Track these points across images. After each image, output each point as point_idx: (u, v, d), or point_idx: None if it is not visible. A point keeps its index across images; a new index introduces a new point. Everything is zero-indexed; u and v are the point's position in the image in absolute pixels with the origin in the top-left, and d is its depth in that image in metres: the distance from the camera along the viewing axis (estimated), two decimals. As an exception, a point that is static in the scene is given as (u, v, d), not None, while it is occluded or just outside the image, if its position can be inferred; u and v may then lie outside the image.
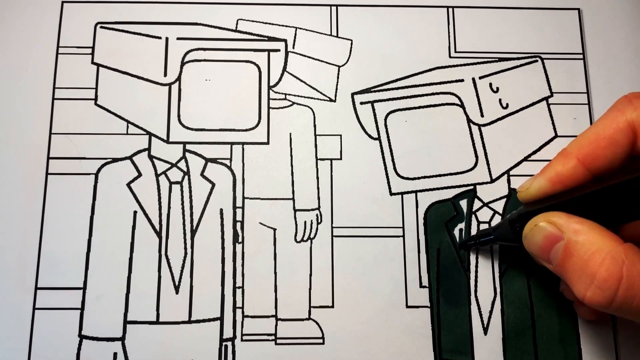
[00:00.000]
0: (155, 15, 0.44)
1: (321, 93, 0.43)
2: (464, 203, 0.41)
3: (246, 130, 0.42)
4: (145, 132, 0.41)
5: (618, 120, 0.33)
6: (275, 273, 0.40)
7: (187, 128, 0.42)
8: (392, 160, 0.41)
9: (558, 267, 0.32)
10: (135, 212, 0.40)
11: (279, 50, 0.43)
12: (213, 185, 0.41)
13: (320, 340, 0.38)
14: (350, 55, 0.44)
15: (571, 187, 0.34)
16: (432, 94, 0.42)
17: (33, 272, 0.39)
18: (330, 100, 0.43)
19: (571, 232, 0.31)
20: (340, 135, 0.42)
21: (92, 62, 0.43)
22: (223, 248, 0.40)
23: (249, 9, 0.44)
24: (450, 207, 0.41)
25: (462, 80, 0.43)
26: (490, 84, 0.43)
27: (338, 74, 0.43)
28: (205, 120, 0.42)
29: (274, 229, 0.40)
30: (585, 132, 0.34)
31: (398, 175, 0.41)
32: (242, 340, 0.38)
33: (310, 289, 0.39)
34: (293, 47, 0.44)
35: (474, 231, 0.40)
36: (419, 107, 0.42)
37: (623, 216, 0.32)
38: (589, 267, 0.30)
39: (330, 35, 0.44)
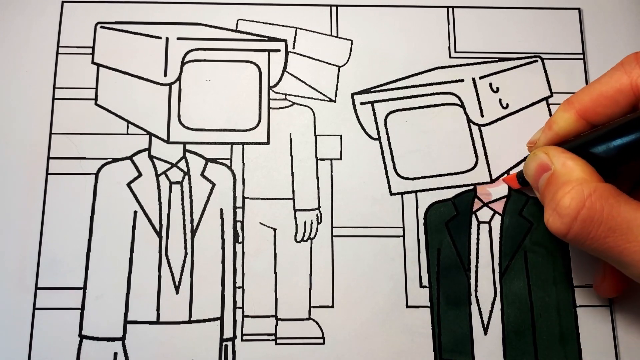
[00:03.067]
0: (155, 15, 0.44)
1: (321, 93, 0.43)
2: (464, 203, 0.41)
3: (246, 130, 0.42)
4: (145, 132, 0.41)
5: (622, 81, 0.33)
6: (275, 273, 0.40)
7: (187, 128, 0.42)
8: (392, 160, 0.41)
9: (541, 194, 0.34)
10: (135, 212, 0.40)
11: (279, 50, 0.43)
12: (213, 185, 0.41)
13: (320, 340, 0.38)
14: (350, 55, 0.44)
15: (573, 136, 0.35)
16: (432, 94, 0.42)
17: (33, 272, 0.39)
18: (330, 100, 0.43)
19: (559, 164, 0.33)
20: (340, 135, 0.42)
21: (92, 62, 0.43)
22: (223, 248, 0.40)
23: (249, 9, 0.44)
24: (450, 207, 0.41)
25: (462, 80, 0.43)
26: (491, 84, 0.43)
27: (338, 74, 0.43)
28: (205, 120, 0.42)
29: (274, 229, 0.40)
30: (588, 88, 0.35)
31: (398, 175, 0.41)
32: (242, 340, 0.38)
33: (310, 289, 0.39)
34: (293, 47, 0.44)
35: (474, 231, 0.40)
36: (419, 107, 0.42)
37: (615, 159, 0.32)
38: (557, 194, 0.32)
39: (330, 35, 0.44)
